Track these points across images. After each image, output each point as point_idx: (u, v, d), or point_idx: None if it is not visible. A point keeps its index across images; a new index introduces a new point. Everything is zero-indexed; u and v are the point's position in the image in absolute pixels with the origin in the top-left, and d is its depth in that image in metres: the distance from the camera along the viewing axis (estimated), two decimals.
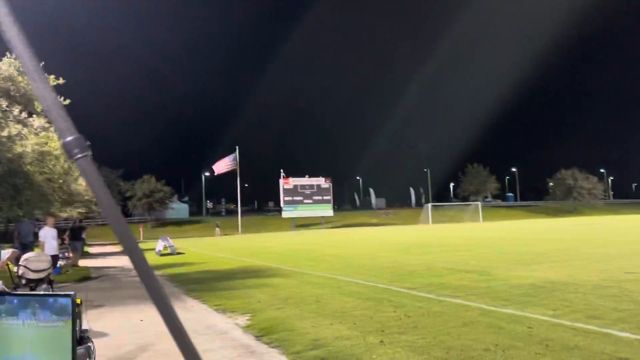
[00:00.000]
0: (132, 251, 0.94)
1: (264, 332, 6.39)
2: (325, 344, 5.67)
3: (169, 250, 22.98)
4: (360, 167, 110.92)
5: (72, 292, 1.81)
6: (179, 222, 67.93)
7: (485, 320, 6.39)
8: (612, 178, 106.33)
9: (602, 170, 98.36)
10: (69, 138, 0.91)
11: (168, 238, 24.31)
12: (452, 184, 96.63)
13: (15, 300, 1.89)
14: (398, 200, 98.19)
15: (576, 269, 10.76)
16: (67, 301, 1.82)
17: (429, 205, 66.31)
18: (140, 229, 52.60)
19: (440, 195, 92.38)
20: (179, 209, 78.91)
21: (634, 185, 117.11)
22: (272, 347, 5.69)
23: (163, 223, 66.20)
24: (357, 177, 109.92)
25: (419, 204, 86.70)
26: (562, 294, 7.83)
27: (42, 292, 1.84)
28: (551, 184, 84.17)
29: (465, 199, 77.84)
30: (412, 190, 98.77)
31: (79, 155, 0.91)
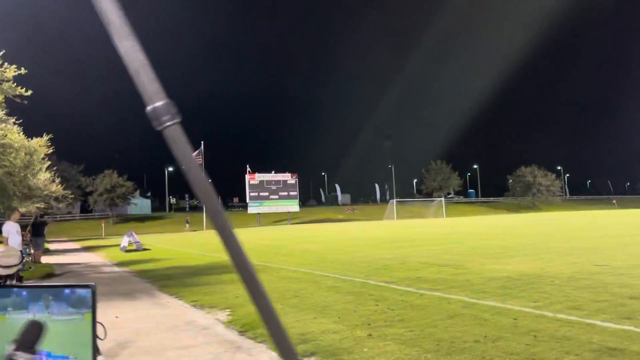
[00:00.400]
0: (224, 230, 0.85)
1: (247, 327, 6.25)
2: (313, 338, 5.58)
3: (134, 247, 22.39)
4: (325, 163, 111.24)
5: (92, 283, 1.67)
6: (141, 218, 66.51)
7: (468, 312, 6.43)
8: (568, 175, 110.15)
9: (559, 168, 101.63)
10: (159, 103, 0.79)
11: (134, 234, 23.69)
12: (415, 181, 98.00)
13: (24, 292, 1.72)
14: (363, 196, 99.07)
15: (547, 262, 11.02)
16: (86, 292, 1.66)
17: (394, 201, 67.00)
18: (102, 225, 51.22)
19: (404, 192, 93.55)
20: (141, 204, 77.22)
21: (588, 182, 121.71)
22: (259, 342, 5.55)
23: (125, 219, 64.65)
24: (323, 173, 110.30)
25: (384, 200, 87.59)
26: (539, 286, 7.97)
27: (57, 283, 1.68)
28: (511, 180, 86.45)
29: (428, 195, 79.06)
30: (377, 186, 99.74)
31: (169, 123, 0.81)
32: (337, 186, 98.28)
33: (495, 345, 4.90)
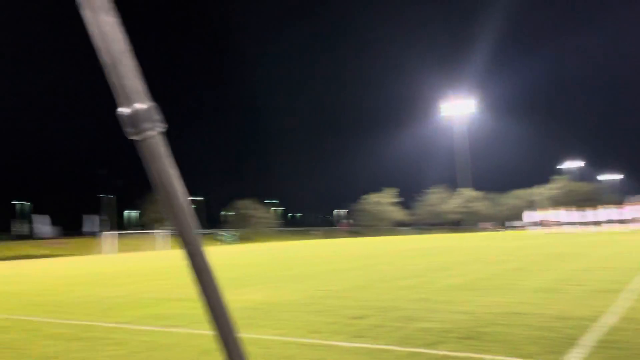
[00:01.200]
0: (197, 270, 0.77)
1: None
2: None
3: None
4: (19, 191, 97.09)
5: None
6: None
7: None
8: (283, 208, 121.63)
9: (274, 201, 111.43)
10: (139, 106, 0.56)
11: None
12: (137, 212, 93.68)
13: None
14: (69, 229, 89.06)
15: (277, 290, 11.75)
16: None
17: (112, 233, 62.47)
18: None
19: (121, 224, 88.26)
20: None
21: (298, 215, 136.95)
22: None
23: None
24: (13, 202, 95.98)
25: (96, 233, 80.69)
26: (278, 314, 8.41)
27: None
28: (231, 212, 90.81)
29: (151, 227, 76.52)
30: (86, 217, 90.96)
31: (150, 133, 0.58)
32: (36, 216, 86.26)
33: None
